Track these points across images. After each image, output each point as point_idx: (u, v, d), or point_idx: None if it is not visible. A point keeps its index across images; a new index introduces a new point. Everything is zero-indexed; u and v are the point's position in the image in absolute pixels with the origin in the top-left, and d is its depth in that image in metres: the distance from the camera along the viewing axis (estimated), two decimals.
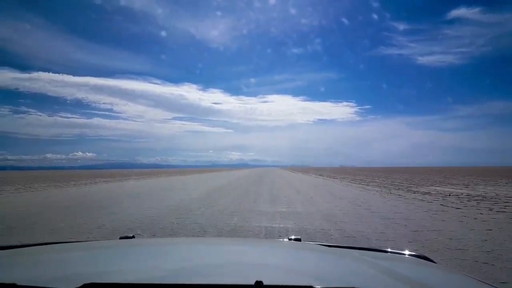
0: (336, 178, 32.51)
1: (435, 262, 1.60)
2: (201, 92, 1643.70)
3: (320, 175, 45.05)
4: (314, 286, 0.90)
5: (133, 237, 1.96)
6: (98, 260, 1.48)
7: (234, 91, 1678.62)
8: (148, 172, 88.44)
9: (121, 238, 1.94)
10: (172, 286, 0.97)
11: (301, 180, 29.41)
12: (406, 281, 1.13)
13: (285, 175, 45.46)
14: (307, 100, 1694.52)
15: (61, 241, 1.93)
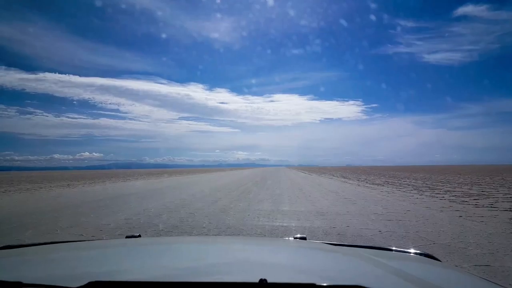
0: (380, 185, 20.43)
1: (440, 261, 1.57)
2: (207, 92, 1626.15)
3: (344, 177, 33.14)
4: (317, 284, 0.90)
5: (139, 236, 1.95)
6: (104, 259, 1.50)
7: (240, 90, 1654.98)
8: (156, 172, 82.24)
9: (127, 237, 1.93)
10: (176, 284, 0.97)
11: (326, 190, 17.22)
12: (410, 279, 1.14)
13: (296, 177, 32.95)
14: (314, 99, 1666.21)
15: (67, 240, 1.93)
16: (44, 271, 1.25)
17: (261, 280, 0.91)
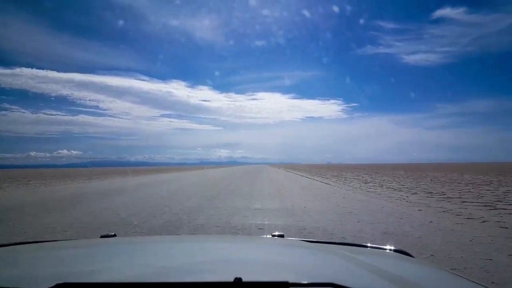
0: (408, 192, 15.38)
1: (413, 257, 1.62)
2: (189, 89, 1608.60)
3: (363, 183, 21.59)
4: (290, 282, 0.90)
5: (114, 235, 1.89)
6: (76, 259, 1.43)
7: (223, 88, 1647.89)
8: (135, 170, 76.30)
9: (101, 236, 1.86)
10: (148, 285, 0.95)
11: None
12: (384, 276, 1.16)
13: (285, 180, 27.01)
14: (296, 98, 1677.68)
15: (40, 240, 1.88)
16: (9, 272, 1.17)
17: (236, 278, 0.89)
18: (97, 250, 1.62)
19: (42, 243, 1.77)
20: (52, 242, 1.84)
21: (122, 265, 1.31)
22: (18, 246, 1.69)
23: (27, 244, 1.73)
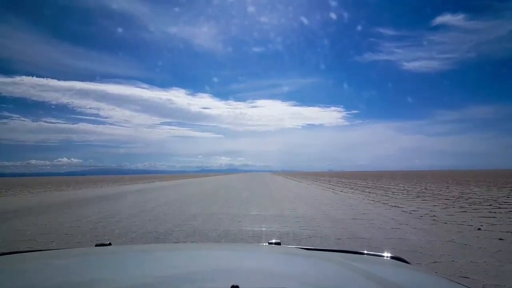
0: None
1: (410, 264, 1.62)
2: (189, 97, 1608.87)
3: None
4: None
5: (109, 244, 1.86)
6: (70, 269, 1.41)
7: (223, 96, 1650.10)
8: (135, 178, 74.13)
9: (97, 245, 1.85)
10: None
11: None
12: (380, 282, 1.16)
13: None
14: (296, 105, 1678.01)
15: (33, 249, 1.85)
16: (4, 283, 1.14)
17: (232, 286, 0.89)
18: (92, 259, 1.60)
19: (36, 252, 1.76)
20: (46, 251, 1.82)
21: (118, 275, 1.30)
22: (12, 255, 1.66)
23: (21, 254, 1.71)
